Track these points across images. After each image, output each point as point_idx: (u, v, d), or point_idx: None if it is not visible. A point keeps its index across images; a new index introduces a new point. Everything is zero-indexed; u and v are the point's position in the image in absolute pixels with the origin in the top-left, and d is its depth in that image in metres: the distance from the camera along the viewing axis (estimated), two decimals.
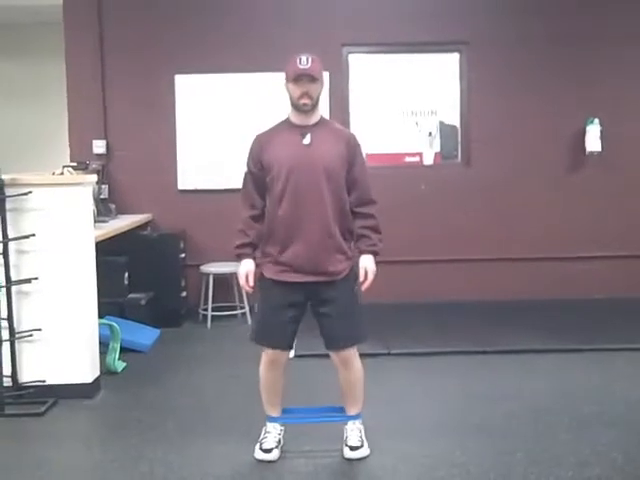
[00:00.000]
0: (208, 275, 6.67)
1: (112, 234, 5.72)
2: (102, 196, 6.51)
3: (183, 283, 6.79)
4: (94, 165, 6.48)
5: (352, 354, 3.76)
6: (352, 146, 3.71)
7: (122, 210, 6.71)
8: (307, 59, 3.61)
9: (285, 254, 3.65)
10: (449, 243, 7.09)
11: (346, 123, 7.04)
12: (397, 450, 3.88)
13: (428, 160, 7.24)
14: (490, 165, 7.06)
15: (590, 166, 7.07)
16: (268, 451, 3.78)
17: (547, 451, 3.78)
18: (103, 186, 6.60)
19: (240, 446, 3.94)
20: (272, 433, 3.85)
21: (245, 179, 3.78)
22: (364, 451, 3.78)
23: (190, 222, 6.98)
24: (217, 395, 4.85)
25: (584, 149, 6.97)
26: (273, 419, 3.88)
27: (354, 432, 3.83)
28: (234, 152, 6.95)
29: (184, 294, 6.81)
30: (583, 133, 6.97)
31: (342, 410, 3.90)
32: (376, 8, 7.00)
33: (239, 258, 3.78)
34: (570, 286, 7.01)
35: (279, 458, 3.78)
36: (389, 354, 5.51)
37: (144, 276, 6.40)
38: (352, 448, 3.77)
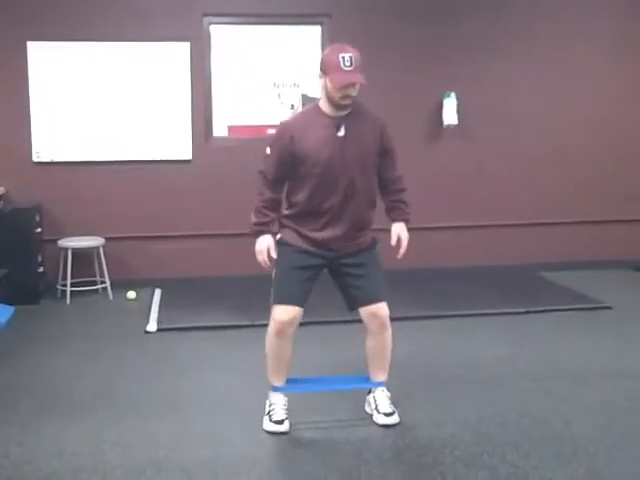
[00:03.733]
0: (67, 250, 6.46)
1: None
2: None
3: (40, 258, 6.55)
4: None
5: (388, 315, 3.78)
6: (385, 132, 3.78)
7: None
8: (350, 59, 3.51)
9: (313, 235, 3.68)
10: None
11: (208, 95, 6.97)
12: None
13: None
14: None
15: (447, 138, 7.29)
16: (280, 422, 3.73)
17: (404, 414, 3.90)
18: None
19: (100, 424, 3.88)
20: (278, 404, 3.80)
21: (268, 163, 3.70)
22: (397, 417, 3.81)
23: (46, 195, 6.71)
24: (76, 373, 4.71)
25: (441, 122, 7.19)
26: (278, 389, 3.83)
27: (384, 399, 3.85)
28: (92, 124, 6.75)
29: (41, 270, 6.57)
30: (440, 106, 7.18)
31: (364, 379, 3.95)
32: None
33: (257, 234, 3.71)
34: (427, 255, 7.21)
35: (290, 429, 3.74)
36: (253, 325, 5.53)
37: None
38: (387, 414, 3.79)
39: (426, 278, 6.96)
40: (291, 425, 3.77)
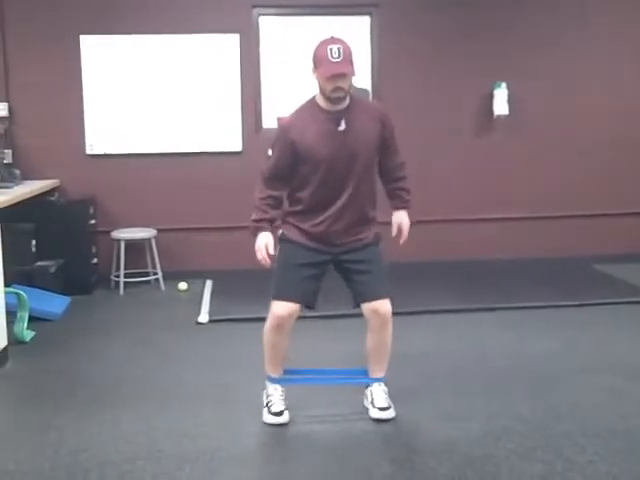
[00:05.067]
0: (119, 241, 6.55)
1: (17, 200, 5.54)
2: (5, 161, 6.32)
3: (94, 250, 6.67)
4: None
5: (390, 312, 3.73)
6: (386, 122, 3.69)
7: (27, 175, 6.49)
8: (338, 51, 3.45)
9: (315, 230, 3.65)
10: None
11: (257, 86, 7.00)
12: None
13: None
14: (401, 129, 7.02)
15: (498, 129, 7.20)
16: (279, 414, 3.72)
17: (457, 406, 3.89)
18: (6, 150, 6.40)
19: (153, 413, 3.92)
20: (275, 395, 3.79)
21: (269, 162, 3.68)
22: (392, 412, 3.77)
23: (100, 188, 6.82)
24: (128, 362, 4.79)
25: (492, 112, 7.10)
26: (275, 380, 3.83)
27: (381, 394, 3.82)
28: (144, 116, 6.83)
29: (95, 261, 6.68)
30: (491, 97, 7.09)
31: (363, 372, 3.90)
32: None
33: (256, 231, 3.69)
34: (479, 247, 7.17)
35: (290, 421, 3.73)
36: None
37: (53, 243, 6.26)
38: (381, 409, 3.76)
39: (477, 270, 6.90)
40: (291, 417, 3.74)
